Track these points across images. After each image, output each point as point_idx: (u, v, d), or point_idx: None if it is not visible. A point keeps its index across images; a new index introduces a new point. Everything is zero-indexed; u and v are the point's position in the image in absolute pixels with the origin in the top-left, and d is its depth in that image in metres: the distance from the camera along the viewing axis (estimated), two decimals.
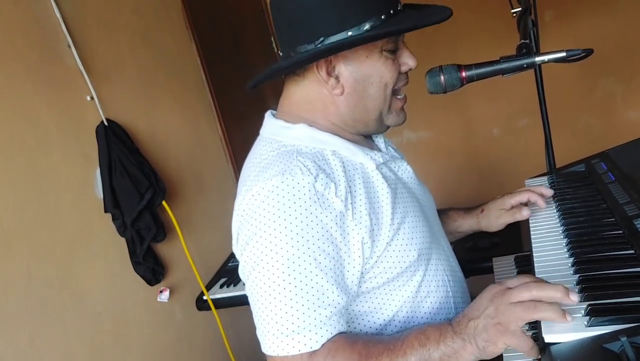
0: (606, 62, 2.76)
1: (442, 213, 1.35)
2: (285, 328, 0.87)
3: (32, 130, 1.61)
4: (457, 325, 0.85)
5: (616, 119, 2.91)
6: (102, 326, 1.73)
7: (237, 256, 1.00)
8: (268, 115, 1.10)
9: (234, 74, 2.78)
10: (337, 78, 1.00)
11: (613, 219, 1.10)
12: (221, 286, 2.06)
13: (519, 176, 1.69)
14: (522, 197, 1.27)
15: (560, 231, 1.13)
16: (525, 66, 1.06)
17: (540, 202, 1.25)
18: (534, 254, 1.07)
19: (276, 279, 0.88)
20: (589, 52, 1.04)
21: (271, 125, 1.06)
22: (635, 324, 0.72)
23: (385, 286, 1.00)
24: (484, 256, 1.82)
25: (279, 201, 0.89)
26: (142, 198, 1.85)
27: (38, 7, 1.68)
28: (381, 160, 1.05)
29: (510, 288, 0.83)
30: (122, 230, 1.84)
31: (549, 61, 1.06)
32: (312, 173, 0.92)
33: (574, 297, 0.78)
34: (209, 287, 2.09)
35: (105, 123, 1.83)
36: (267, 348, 0.90)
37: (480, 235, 1.39)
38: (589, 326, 0.76)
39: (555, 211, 1.25)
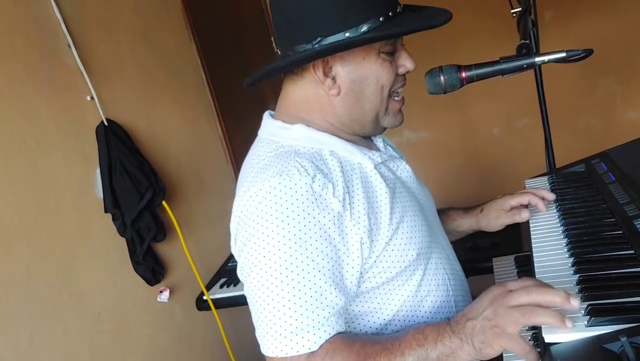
0: (606, 62, 2.76)
1: (442, 212, 1.35)
2: (283, 329, 0.87)
3: (32, 130, 1.61)
4: (456, 325, 0.85)
5: (616, 119, 2.91)
6: (102, 326, 1.73)
7: (236, 257, 1.00)
8: (266, 115, 1.10)
9: (234, 74, 2.78)
10: (333, 79, 0.99)
11: (613, 220, 1.10)
12: (221, 286, 2.06)
13: (519, 176, 1.69)
14: (523, 199, 1.27)
15: (561, 231, 1.13)
16: (525, 66, 1.06)
17: (541, 205, 1.24)
18: (534, 255, 1.07)
19: (274, 281, 0.88)
20: (589, 52, 1.04)
21: (269, 126, 1.06)
22: (635, 324, 0.72)
23: (384, 286, 1.00)
24: (484, 256, 1.82)
25: (277, 202, 0.89)
26: (142, 198, 1.85)
27: (38, 7, 1.68)
28: (379, 160, 1.04)
29: (511, 291, 0.82)
30: (122, 230, 1.84)
31: (549, 61, 1.06)
32: (309, 174, 0.92)
33: (575, 302, 0.77)
34: (209, 287, 2.09)
35: (105, 123, 1.83)
36: (265, 349, 0.90)
37: (480, 235, 1.39)
38: (589, 326, 0.76)
39: (555, 211, 1.25)
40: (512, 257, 1.63)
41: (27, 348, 1.48)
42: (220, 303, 2.02)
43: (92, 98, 1.80)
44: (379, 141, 1.14)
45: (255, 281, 0.91)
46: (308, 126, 1.02)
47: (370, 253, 0.96)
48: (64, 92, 1.73)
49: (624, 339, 0.68)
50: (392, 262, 0.99)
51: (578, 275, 0.92)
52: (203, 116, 2.48)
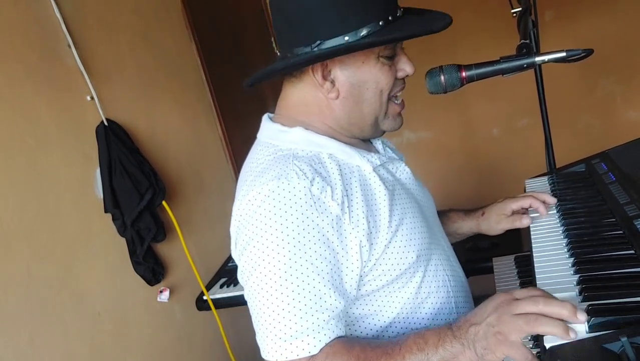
0: (606, 62, 2.76)
1: (442, 214, 1.35)
2: (283, 333, 0.87)
3: (32, 130, 1.61)
4: (458, 330, 0.85)
5: (616, 119, 2.91)
6: (102, 326, 1.73)
7: (236, 261, 0.99)
8: (265, 118, 1.09)
9: (234, 74, 2.78)
10: (332, 82, 0.99)
11: (613, 220, 1.10)
12: (221, 286, 2.06)
13: (519, 176, 1.69)
14: (524, 202, 1.26)
15: (561, 232, 1.13)
16: (525, 66, 1.06)
17: (542, 209, 1.24)
18: (534, 255, 1.07)
19: (273, 284, 0.88)
20: (589, 52, 1.04)
21: (268, 129, 1.06)
22: (636, 324, 0.72)
23: (384, 289, 1.00)
24: (484, 256, 1.82)
25: (275, 206, 0.89)
26: (142, 198, 1.85)
27: (38, 7, 1.68)
28: (378, 162, 1.04)
29: (517, 299, 0.82)
30: (122, 230, 1.84)
31: (549, 61, 1.06)
32: (308, 177, 0.92)
33: (582, 317, 0.76)
34: (209, 287, 2.10)
35: (105, 123, 1.83)
36: (266, 353, 0.90)
37: (480, 235, 1.39)
38: (589, 326, 0.75)
39: (555, 211, 1.24)
40: (512, 257, 1.63)
41: (27, 348, 1.48)
42: (220, 303, 2.02)
43: (92, 98, 1.80)
44: (378, 143, 1.14)
45: (255, 285, 0.91)
46: (307, 129, 1.01)
47: (369, 256, 0.96)
48: (64, 92, 1.73)
49: (624, 339, 0.68)
50: (391, 265, 0.98)
51: (578, 275, 0.92)
52: (203, 116, 2.48)
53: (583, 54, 1.04)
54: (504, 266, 1.60)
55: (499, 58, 1.08)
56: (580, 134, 2.92)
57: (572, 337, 0.75)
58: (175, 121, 2.27)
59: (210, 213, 2.35)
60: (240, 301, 1.89)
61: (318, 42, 0.93)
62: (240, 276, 0.97)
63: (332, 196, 0.92)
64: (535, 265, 1.02)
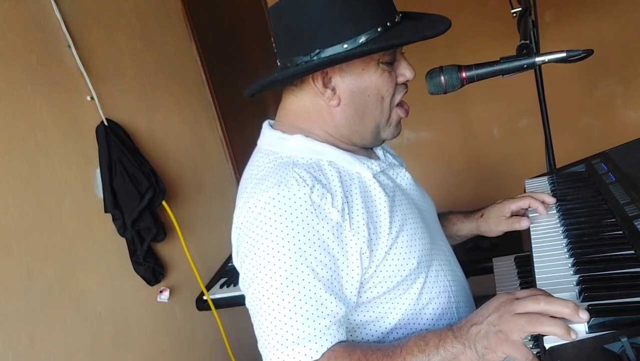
0: (606, 62, 2.76)
1: (442, 216, 1.35)
2: (285, 339, 0.87)
3: (32, 130, 1.61)
4: (458, 330, 0.85)
5: (616, 119, 2.91)
6: (102, 327, 1.73)
7: (238, 268, 1.00)
8: (265, 125, 1.10)
9: (234, 75, 2.78)
10: (333, 90, 0.99)
11: (613, 220, 1.10)
12: (221, 286, 2.06)
13: (519, 176, 1.69)
14: (523, 202, 1.26)
15: (561, 232, 1.13)
16: (525, 66, 1.06)
17: (541, 209, 1.24)
18: (534, 255, 1.07)
19: (274, 291, 0.88)
20: (589, 52, 1.04)
21: (268, 136, 1.06)
22: (636, 324, 0.72)
23: (385, 295, 1.00)
24: (484, 257, 1.82)
25: (276, 213, 0.90)
26: (142, 198, 1.85)
27: (38, 8, 1.68)
28: (378, 168, 1.04)
29: (518, 299, 0.82)
30: (122, 230, 1.84)
31: (549, 61, 1.05)
32: (308, 184, 0.92)
33: (584, 315, 0.76)
34: (209, 287, 2.10)
35: (105, 123, 1.83)
36: (268, 359, 0.90)
37: (480, 235, 1.39)
38: (589, 326, 0.75)
39: (555, 211, 1.24)
40: (512, 257, 1.63)
41: (27, 348, 1.48)
42: (220, 303, 2.03)
43: (92, 98, 1.80)
44: (378, 149, 1.14)
45: (256, 292, 0.91)
46: (307, 136, 1.01)
47: (370, 263, 0.96)
48: (64, 92, 1.73)
49: (624, 339, 0.68)
50: (392, 271, 0.98)
51: (578, 275, 0.92)
52: (203, 116, 2.48)
53: (583, 55, 1.04)
54: (504, 266, 1.61)
55: (499, 59, 1.08)
56: (580, 135, 2.91)
57: (573, 338, 0.75)
58: (175, 121, 2.27)
59: (211, 213, 2.35)
60: (240, 301, 1.89)
61: (317, 50, 0.94)
62: (241, 283, 0.97)
63: (332, 203, 0.92)
64: (535, 265, 1.02)
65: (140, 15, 2.17)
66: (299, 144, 1.00)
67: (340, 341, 0.91)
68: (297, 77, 0.99)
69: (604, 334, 0.73)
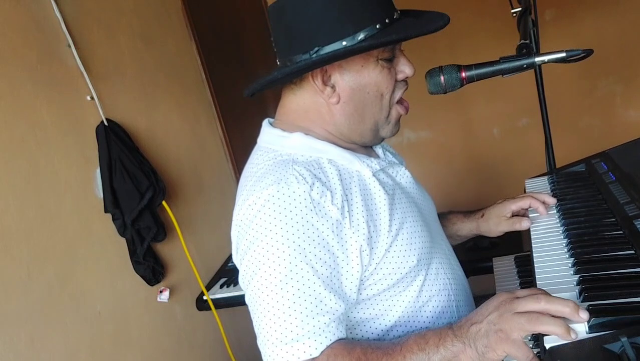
0: (606, 62, 2.76)
1: (442, 216, 1.35)
2: (284, 336, 0.88)
3: (32, 130, 1.61)
4: (459, 329, 0.85)
5: (616, 119, 2.91)
6: (102, 326, 1.73)
7: (237, 265, 1.00)
8: (265, 123, 1.10)
9: (234, 74, 2.78)
10: (333, 87, 0.99)
11: (613, 220, 1.10)
12: (221, 286, 2.06)
13: (519, 175, 1.69)
14: (524, 203, 1.26)
15: (561, 231, 1.13)
16: (525, 66, 1.06)
17: (542, 209, 1.24)
18: (534, 255, 1.07)
19: (274, 288, 0.89)
20: (589, 52, 1.04)
21: (268, 134, 1.06)
22: (636, 324, 0.72)
23: (385, 293, 1.00)
24: (484, 256, 1.82)
25: (275, 210, 0.90)
26: (142, 198, 1.85)
27: (38, 7, 1.68)
28: (378, 167, 1.04)
29: (519, 298, 0.82)
30: (122, 230, 1.84)
31: (549, 61, 1.06)
32: (307, 182, 0.92)
33: (584, 315, 0.76)
34: (209, 287, 2.10)
35: (105, 123, 1.83)
36: (267, 356, 0.90)
37: (480, 235, 1.39)
38: (589, 326, 0.75)
39: (555, 211, 1.24)
40: (512, 257, 1.63)
41: (27, 348, 1.48)
42: (220, 303, 2.03)
43: (92, 98, 1.80)
44: (377, 148, 1.14)
45: (255, 289, 0.91)
46: (307, 134, 1.02)
47: (370, 261, 0.96)
48: (64, 92, 1.73)
49: (624, 339, 0.68)
50: (392, 268, 0.98)
51: (578, 275, 0.92)
52: (203, 115, 2.48)
53: (583, 54, 1.04)
54: (504, 266, 1.60)
55: (498, 58, 1.08)
56: (580, 134, 2.92)
57: (573, 337, 0.75)
58: (175, 120, 2.27)
59: (211, 213, 2.35)
60: (240, 301, 1.89)
61: (316, 48, 0.94)
62: (241, 280, 0.98)
63: (331, 201, 0.92)
64: (535, 265, 1.02)
65: (141, 15, 2.17)
66: (299, 142, 1.01)
67: (340, 339, 0.91)
68: (296, 75, 0.99)
69: (604, 334, 0.73)
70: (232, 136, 2.60)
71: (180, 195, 2.18)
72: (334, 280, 0.91)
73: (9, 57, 1.57)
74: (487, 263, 1.70)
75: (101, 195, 1.80)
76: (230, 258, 2.24)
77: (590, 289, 0.86)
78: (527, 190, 1.47)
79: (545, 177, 1.51)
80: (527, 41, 1.12)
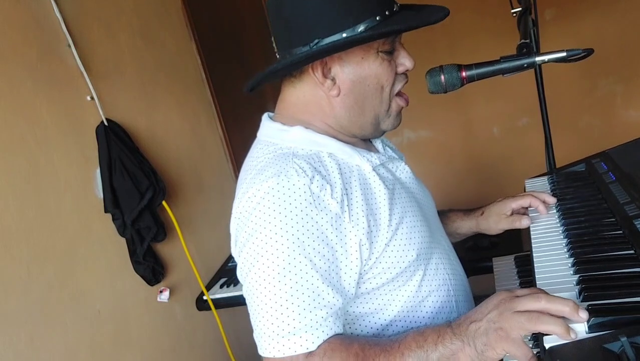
0: (606, 61, 2.76)
1: (442, 214, 1.35)
2: (281, 330, 0.87)
3: (32, 130, 1.61)
4: (457, 327, 0.85)
5: (616, 119, 2.91)
6: (102, 326, 1.73)
7: (236, 258, 0.99)
8: (265, 117, 1.10)
9: (234, 73, 2.78)
10: (333, 80, 0.99)
11: (613, 219, 1.10)
12: (221, 286, 2.06)
13: (519, 175, 1.69)
14: (524, 201, 1.26)
15: (561, 231, 1.13)
16: (525, 65, 1.06)
17: (542, 208, 1.24)
18: (534, 254, 1.07)
19: (272, 281, 0.88)
20: (589, 52, 1.04)
21: (268, 128, 1.06)
22: (636, 324, 0.72)
23: (384, 287, 1.00)
24: (484, 256, 1.82)
25: (275, 203, 0.89)
26: (142, 198, 1.85)
27: (38, 7, 1.68)
28: (377, 161, 1.04)
29: (519, 297, 0.82)
30: (122, 230, 1.84)
31: (549, 60, 1.05)
32: (307, 175, 0.92)
33: (583, 314, 0.76)
34: (209, 287, 2.10)
35: (105, 123, 1.83)
36: (263, 349, 0.90)
37: (480, 235, 1.39)
38: (589, 326, 0.75)
39: (555, 210, 1.24)
40: (512, 257, 1.63)
41: (27, 347, 1.48)
42: (220, 303, 2.02)
43: (92, 98, 1.80)
44: (377, 143, 1.14)
45: (253, 282, 0.91)
46: (307, 128, 1.01)
47: (369, 255, 0.96)
48: (64, 91, 1.73)
49: (624, 339, 0.68)
50: (392, 263, 0.98)
51: (578, 275, 0.92)
52: (203, 115, 2.48)
53: (583, 54, 1.04)
54: (504, 266, 1.60)
55: (499, 58, 1.08)
56: (580, 134, 2.92)
57: (573, 337, 0.74)
58: (175, 120, 2.27)
59: (210, 213, 2.35)
60: (240, 301, 1.89)
61: (316, 40, 0.94)
62: (239, 272, 0.97)
63: (331, 195, 0.92)
64: (535, 265, 1.02)
65: (140, 14, 2.17)
66: (299, 136, 1.00)
67: (337, 334, 0.91)
68: (296, 67, 0.98)
69: (603, 334, 0.72)
70: (232, 136, 2.60)
71: (180, 195, 2.18)
72: (333, 274, 0.91)
73: (9, 55, 1.57)
74: (486, 262, 1.70)
75: (101, 195, 1.80)
76: (230, 258, 2.24)
77: (589, 289, 0.86)
78: (527, 190, 1.46)
79: (545, 177, 1.51)
80: (528, 41, 1.12)
